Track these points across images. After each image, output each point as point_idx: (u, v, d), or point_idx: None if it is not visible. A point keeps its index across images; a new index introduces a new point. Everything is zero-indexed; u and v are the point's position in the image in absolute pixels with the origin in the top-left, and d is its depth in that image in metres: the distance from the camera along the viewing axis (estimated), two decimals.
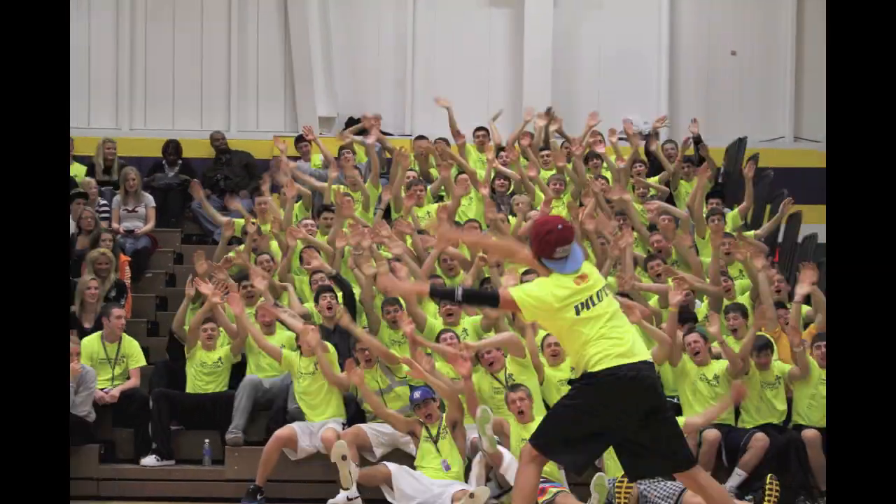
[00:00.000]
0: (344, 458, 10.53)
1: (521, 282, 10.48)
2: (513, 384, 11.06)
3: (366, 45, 19.06)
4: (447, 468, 10.73)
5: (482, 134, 16.73)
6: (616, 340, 7.36)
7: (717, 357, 11.57)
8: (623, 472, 7.84)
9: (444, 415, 10.93)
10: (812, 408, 11.44)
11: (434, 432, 10.88)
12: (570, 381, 7.65)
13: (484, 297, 8.35)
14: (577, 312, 7.42)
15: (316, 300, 12.43)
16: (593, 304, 7.43)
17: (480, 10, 19.11)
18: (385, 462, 10.87)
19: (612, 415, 7.31)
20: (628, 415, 7.30)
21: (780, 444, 11.16)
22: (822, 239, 14.72)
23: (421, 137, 16.83)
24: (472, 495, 10.16)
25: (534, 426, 10.43)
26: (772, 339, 11.78)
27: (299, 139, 17.05)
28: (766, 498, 10.38)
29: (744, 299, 12.85)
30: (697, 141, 17.02)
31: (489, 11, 19.11)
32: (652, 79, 19.04)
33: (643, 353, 7.42)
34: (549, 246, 7.45)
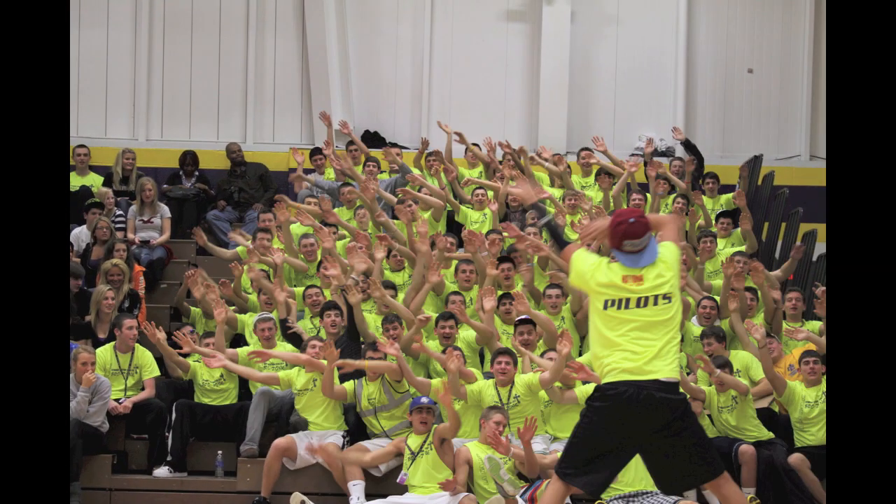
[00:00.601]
0: (303, 503, 10.61)
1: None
2: (495, 406, 11.04)
3: (383, 59, 19.09)
4: (401, 481, 10.79)
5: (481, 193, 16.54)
6: (629, 354, 7.32)
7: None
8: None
9: (434, 428, 10.91)
10: (804, 427, 11.45)
11: (415, 447, 10.85)
12: (587, 400, 7.66)
13: (559, 239, 8.16)
14: (605, 307, 7.44)
15: (321, 316, 12.53)
16: (625, 307, 7.40)
17: (497, 24, 19.12)
18: (372, 502, 10.84)
19: (619, 432, 7.28)
20: (636, 432, 7.27)
21: (768, 464, 11.19)
22: None
23: (435, 153, 16.87)
24: None
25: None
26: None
27: (315, 152, 17.07)
28: None
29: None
30: (687, 145, 17.12)
31: (506, 26, 19.13)
32: (668, 95, 19.04)
33: (659, 372, 7.31)
34: (617, 237, 7.48)
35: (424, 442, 10.84)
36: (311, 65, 18.67)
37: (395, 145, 17.50)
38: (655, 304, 7.42)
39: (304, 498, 10.73)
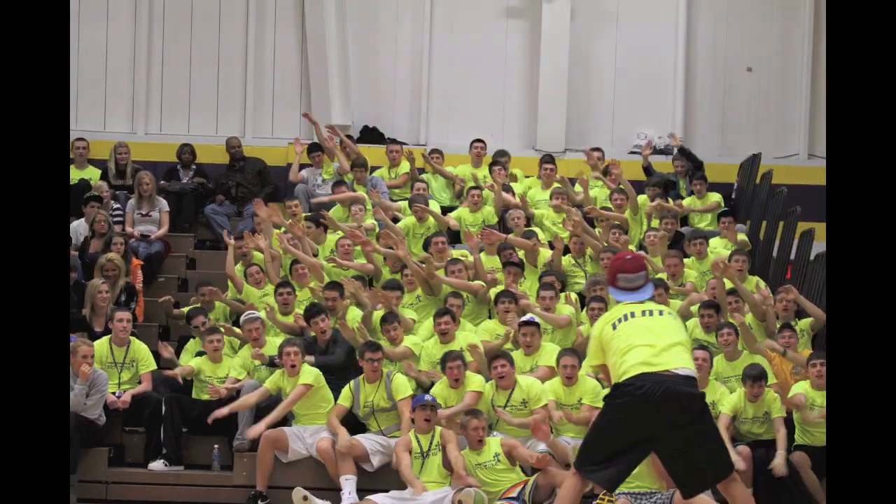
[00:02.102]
0: (305, 498, 10.62)
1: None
2: (474, 410, 11.06)
3: (382, 54, 19.06)
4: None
5: (479, 146, 16.72)
6: (645, 348, 7.38)
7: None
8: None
9: (439, 431, 10.92)
10: (806, 432, 11.49)
11: (425, 446, 10.86)
12: (605, 397, 7.70)
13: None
14: (614, 328, 7.56)
15: (307, 321, 12.50)
16: (632, 318, 7.54)
17: (497, 22, 19.09)
18: (369, 496, 10.82)
19: (639, 427, 7.30)
20: (656, 427, 7.28)
21: (764, 465, 11.21)
22: None
23: (435, 151, 16.86)
24: (459, 502, 10.24)
25: (484, 453, 10.69)
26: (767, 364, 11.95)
27: (313, 148, 17.04)
28: None
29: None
30: (683, 152, 17.15)
31: (506, 23, 19.10)
32: (667, 93, 19.01)
33: (674, 363, 7.34)
34: (612, 272, 7.76)
35: (431, 442, 10.86)
36: (311, 60, 18.64)
37: (394, 141, 17.47)
38: (661, 315, 7.61)
39: (307, 493, 10.71)
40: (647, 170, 17.32)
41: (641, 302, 7.66)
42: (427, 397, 11.01)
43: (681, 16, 18.97)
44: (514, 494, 10.57)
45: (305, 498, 10.65)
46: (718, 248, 14.76)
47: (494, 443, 10.86)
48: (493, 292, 12.98)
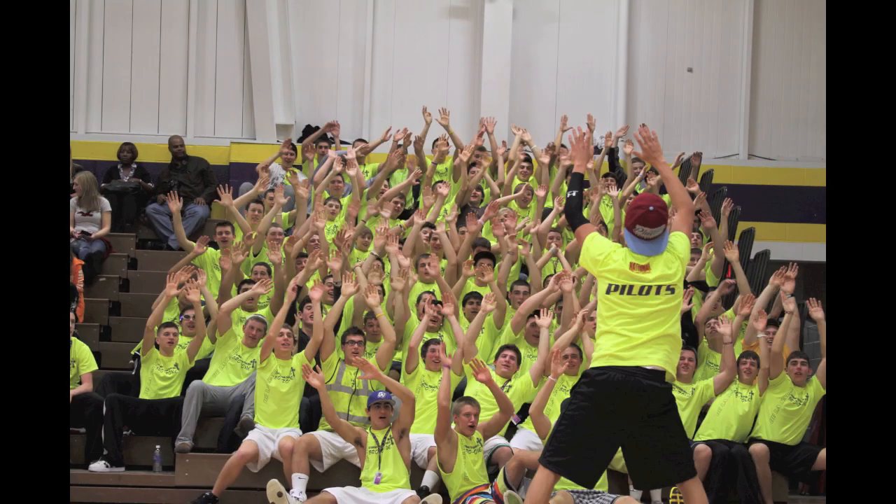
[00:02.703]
0: (280, 494, 10.56)
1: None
2: (467, 397, 11.14)
3: (325, 53, 19.05)
4: (378, 481, 10.75)
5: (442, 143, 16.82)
6: (623, 339, 7.38)
7: None
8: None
9: (393, 422, 10.95)
10: (774, 420, 11.63)
11: (380, 440, 10.89)
12: (572, 388, 7.68)
13: (576, 214, 7.96)
14: (608, 291, 7.51)
15: (301, 308, 12.55)
16: (628, 293, 7.47)
17: (440, 21, 19.15)
18: (327, 489, 10.78)
19: (606, 418, 7.32)
20: (622, 418, 7.30)
21: (725, 456, 11.34)
22: (773, 256, 14.89)
23: (360, 140, 16.84)
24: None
25: (475, 437, 10.72)
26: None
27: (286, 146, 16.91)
28: None
29: None
30: (611, 152, 17.19)
31: (448, 23, 19.15)
32: (609, 93, 19.14)
33: (645, 360, 7.35)
34: (632, 219, 7.53)
35: (385, 436, 10.89)
36: (253, 59, 18.58)
37: (361, 140, 17.37)
38: (658, 293, 7.48)
39: (282, 488, 10.63)
40: (612, 154, 17.24)
41: (651, 257, 7.51)
42: (381, 395, 11.01)
43: (622, 16, 19.10)
44: (489, 491, 10.61)
45: (280, 494, 10.57)
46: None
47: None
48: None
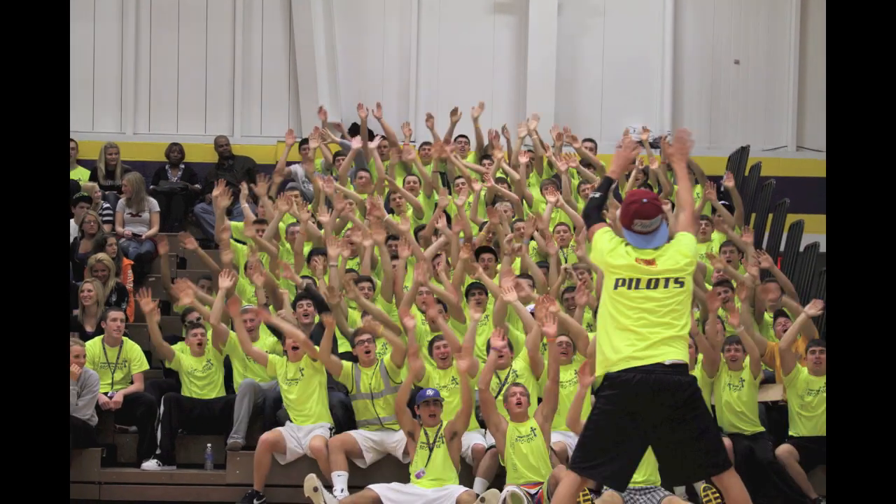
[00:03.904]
0: (315, 489, 10.58)
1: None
2: (515, 381, 11.13)
3: (370, 52, 19.09)
4: (419, 476, 10.76)
5: (464, 140, 16.77)
6: (636, 338, 7.35)
7: None
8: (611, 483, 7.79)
9: (445, 423, 10.95)
10: (801, 416, 11.54)
11: (432, 437, 10.90)
12: (595, 391, 7.65)
13: (591, 215, 7.92)
14: (616, 286, 7.48)
15: (293, 307, 12.53)
16: (636, 287, 7.44)
17: (485, 17, 19.13)
18: (370, 486, 10.83)
19: (631, 419, 7.29)
20: (648, 417, 7.27)
21: (748, 456, 11.27)
22: (823, 248, 14.77)
23: (426, 144, 16.86)
24: (482, 499, 10.20)
25: (528, 426, 10.61)
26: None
27: (303, 143, 17.04)
28: None
29: None
30: (654, 146, 17.15)
31: (493, 19, 19.13)
32: (655, 87, 19.06)
33: (664, 355, 7.32)
34: (628, 216, 7.54)
35: (437, 434, 10.89)
36: (299, 58, 18.65)
37: (385, 139, 17.43)
38: (666, 286, 7.45)
39: (319, 484, 10.68)
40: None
41: (655, 250, 7.51)
42: (429, 392, 11.02)
43: (668, 9, 19.01)
44: (532, 492, 10.59)
45: (316, 489, 10.61)
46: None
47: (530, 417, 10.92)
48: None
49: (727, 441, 11.13)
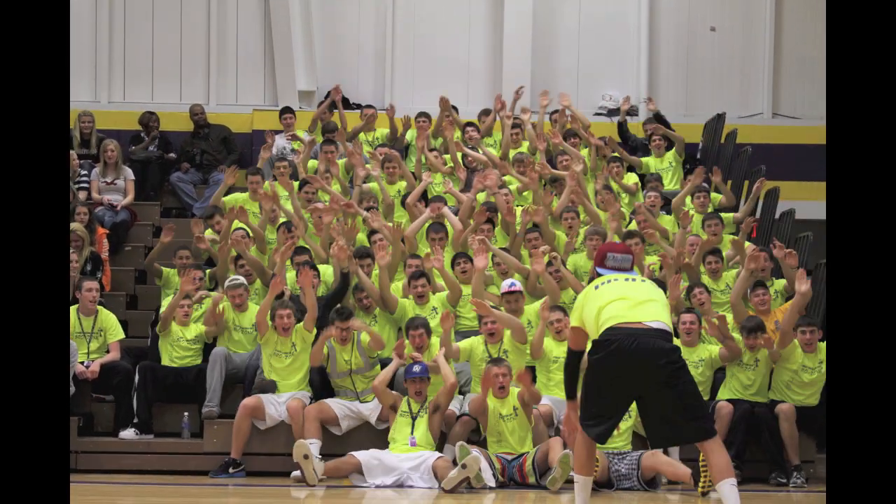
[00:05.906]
0: (306, 456, 10.61)
1: None
2: (495, 358, 11.16)
3: (346, 19, 19.02)
4: (413, 444, 10.81)
5: (423, 120, 16.52)
6: (620, 302, 7.50)
7: None
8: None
9: (430, 398, 11.02)
10: (791, 387, 11.61)
11: (415, 409, 10.95)
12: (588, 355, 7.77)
13: (570, 378, 8.06)
14: (597, 288, 7.70)
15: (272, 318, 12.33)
16: (615, 281, 7.68)
17: None
18: (352, 453, 10.90)
19: (617, 382, 7.41)
20: (632, 380, 7.37)
21: (748, 415, 11.36)
22: (798, 215, 14.83)
23: (423, 114, 16.65)
24: (464, 465, 10.26)
25: (510, 405, 10.80)
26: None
27: (284, 111, 16.96)
28: (702, 480, 10.37)
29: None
30: (658, 118, 17.19)
31: None
32: (631, 54, 19.06)
33: (647, 317, 7.44)
34: (601, 255, 7.89)
35: (422, 406, 10.97)
36: (274, 26, 18.56)
37: (369, 107, 17.29)
38: (644, 282, 7.81)
39: (309, 450, 10.69)
40: (622, 126, 17.41)
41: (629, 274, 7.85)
42: (416, 368, 11.06)
43: None
44: (510, 458, 10.76)
45: (306, 456, 10.63)
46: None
47: (513, 394, 10.98)
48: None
49: (727, 405, 11.27)
